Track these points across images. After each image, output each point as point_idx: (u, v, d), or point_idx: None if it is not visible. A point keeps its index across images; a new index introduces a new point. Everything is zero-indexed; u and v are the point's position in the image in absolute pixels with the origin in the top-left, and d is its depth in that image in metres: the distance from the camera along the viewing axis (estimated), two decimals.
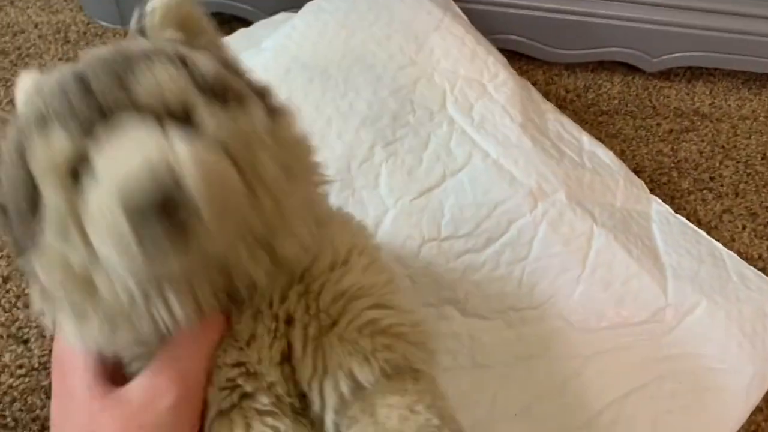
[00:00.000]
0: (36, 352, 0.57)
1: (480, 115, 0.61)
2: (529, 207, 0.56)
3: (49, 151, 0.25)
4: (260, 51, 0.64)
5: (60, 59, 0.78)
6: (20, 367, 0.56)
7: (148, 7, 0.30)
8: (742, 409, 0.52)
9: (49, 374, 0.55)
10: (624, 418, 0.50)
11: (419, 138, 0.58)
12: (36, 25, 0.82)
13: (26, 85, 0.29)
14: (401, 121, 0.59)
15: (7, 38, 0.80)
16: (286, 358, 0.30)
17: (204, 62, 0.28)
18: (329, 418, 0.29)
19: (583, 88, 0.84)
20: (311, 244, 0.30)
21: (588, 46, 0.83)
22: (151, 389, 0.29)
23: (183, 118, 0.26)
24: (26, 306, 0.59)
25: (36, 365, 0.56)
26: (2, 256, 0.62)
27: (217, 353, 0.30)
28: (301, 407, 0.31)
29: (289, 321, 0.30)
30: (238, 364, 0.30)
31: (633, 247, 0.56)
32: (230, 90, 0.28)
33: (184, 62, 0.27)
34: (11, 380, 0.55)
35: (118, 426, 0.28)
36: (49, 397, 0.54)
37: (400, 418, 0.28)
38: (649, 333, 0.53)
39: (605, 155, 0.65)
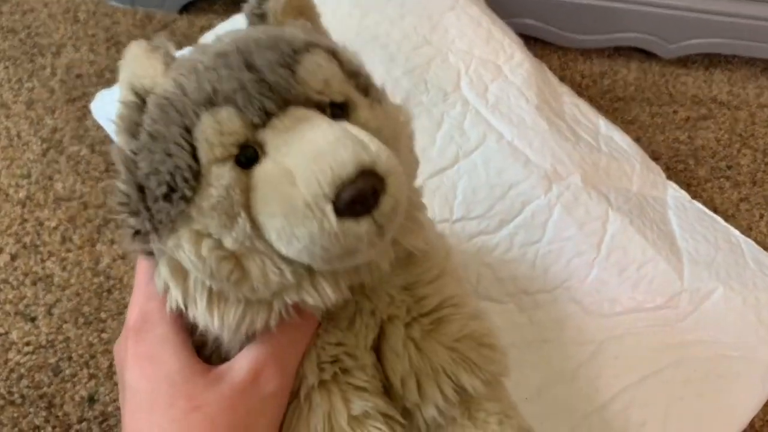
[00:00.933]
0: (43, 329, 0.56)
1: (495, 96, 0.60)
2: (543, 189, 0.55)
3: (222, 132, 0.25)
4: None
5: (69, 38, 0.78)
6: (27, 344, 0.56)
7: None
8: (757, 398, 0.51)
9: (56, 351, 0.55)
10: (637, 404, 0.49)
11: (432, 118, 0.58)
12: (46, 4, 0.82)
13: (147, 59, 0.27)
14: (414, 101, 0.58)
15: (17, 17, 0.80)
16: (374, 347, 0.32)
17: (351, 57, 0.29)
18: (428, 413, 0.31)
19: (599, 74, 0.83)
20: (429, 236, 0.32)
21: (604, 32, 0.82)
22: (254, 373, 0.28)
23: (340, 113, 0.27)
24: (33, 283, 0.59)
25: (43, 343, 0.56)
26: (11, 234, 0.62)
27: (316, 334, 0.31)
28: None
29: (390, 318, 0.32)
30: (340, 344, 0.31)
31: (649, 232, 0.55)
32: (371, 86, 0.30)
33: (335, 56, 0.28)
34: (18, 357, 0.55)
35: (228, 404, 0.28)
36: (56, 375, 0.54)
37: (499, 422, 0.32)
38: (664, 319, 0.52)
39: (622, 140, 0.64)
